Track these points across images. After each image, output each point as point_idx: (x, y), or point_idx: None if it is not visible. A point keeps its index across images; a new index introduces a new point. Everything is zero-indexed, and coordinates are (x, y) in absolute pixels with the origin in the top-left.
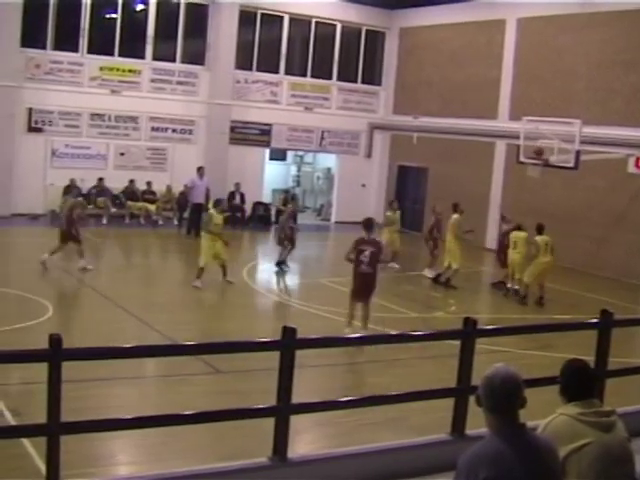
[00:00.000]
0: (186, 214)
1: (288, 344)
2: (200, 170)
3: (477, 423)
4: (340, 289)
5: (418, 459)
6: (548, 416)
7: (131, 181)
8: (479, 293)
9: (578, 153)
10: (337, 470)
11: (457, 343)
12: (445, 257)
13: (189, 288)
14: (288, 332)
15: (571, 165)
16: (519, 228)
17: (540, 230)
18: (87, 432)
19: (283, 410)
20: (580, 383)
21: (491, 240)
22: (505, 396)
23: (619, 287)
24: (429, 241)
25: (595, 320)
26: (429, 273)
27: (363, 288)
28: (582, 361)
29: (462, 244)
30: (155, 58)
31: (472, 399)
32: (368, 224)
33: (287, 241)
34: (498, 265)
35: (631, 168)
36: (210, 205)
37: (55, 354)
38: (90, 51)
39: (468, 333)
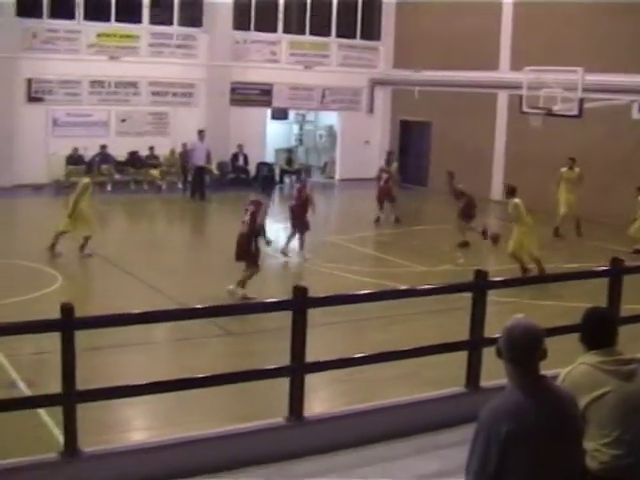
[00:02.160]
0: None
1: (300, 304)
2: (201, 133)
3: (491, 375)
4: (347, 246)
5: (434, 413)
6: (566, 366)
7: (133, 153)
8: (486, 245)
9: (581, 101)
10: (354, 427)
11: (466, 296)
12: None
13: (197, 252)
14: (299, 292)
15: (574, 113)
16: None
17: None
18: (103, 399)
19: (298, 370)
20: (601, 331)
21: (496, 192)
22: (526, 347)
23: (624, 235)
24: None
25: (606, 268)
26: None
27: None
28: (603, 309)
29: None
30: (152, 22)
31: (486, 351)
32: None
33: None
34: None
35: (635, 114)
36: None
37: (67, 323)
38: (87, 18)
39: (480, 285)
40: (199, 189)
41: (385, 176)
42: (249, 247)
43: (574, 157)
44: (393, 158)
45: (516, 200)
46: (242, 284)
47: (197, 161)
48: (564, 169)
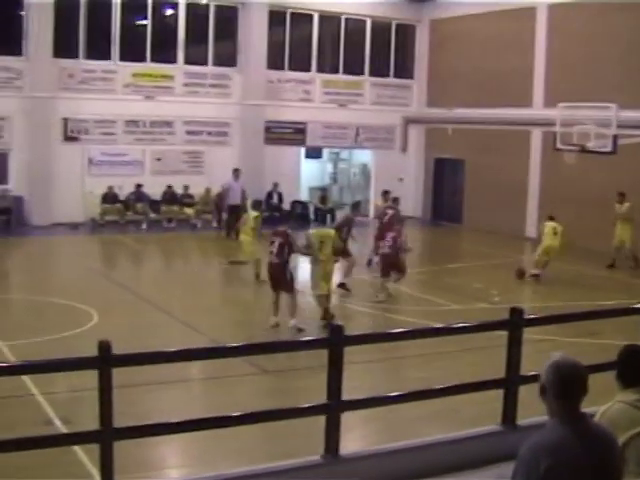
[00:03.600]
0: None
1: (336, 341)
2: (236, 172)
3: (527, 413)
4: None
5: (471, 451)
6: (601, 404)
7: (169, 186)
8: (521, 283)
9: (615, 137)
10: (390, 465)
11: (501, 334)
12: None
13: (231, 289)
14: (335, 330)
15: (609, 149)
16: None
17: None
18: (140, 437)
19: (334, 407)
20: (638, 368)
21: (530, 229)
22: (572, 383)
23: None
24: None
25: None
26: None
27: None
28: (639, 346)
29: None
30: (187, 62)
31: (523, 388)
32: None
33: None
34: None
35: None
36: (249, 206)
37: (105, 360)
38: (122, 58)
39: (515, 323)
40: (233, 227)
41: (390, 212)
42: (284, 276)
43: (623, 192)
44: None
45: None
46: (293, 314)
47: (232, 200)
48: (617, 205)
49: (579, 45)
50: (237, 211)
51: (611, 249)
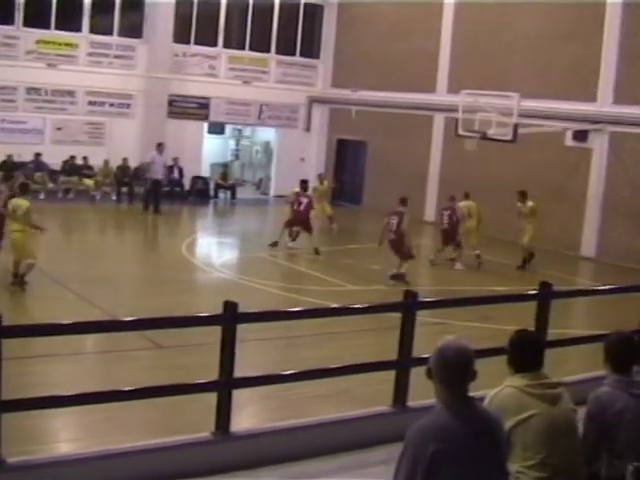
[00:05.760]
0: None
1: (229, 319)
2: (160, 146)
3: (418, 395)
4: (279, 262)
5: (361, 431)
6: (492, 388)
7: (72, 157)
8: (417, 266)
9: (516, 126)
10: (281, 443)
11: (396, 316)
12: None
13: (129, 264)
14: (229, 307)
15: (509, 138)
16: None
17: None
18: (29, 410)
19: (225, 384)
20: (528, 354)
21: (429, 212)
22: (458, 368)
23: (557, 260)
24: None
25: (535, 292)
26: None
27: None
28: (531, 332)
29: None
30: (92, 31)
31: (414, 371)
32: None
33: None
34: None
35: (569, 141)
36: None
37: None
38: (26, 24)
39: (409, 305)
40: (154, 202)
41: (305, 201)
42: (403, 247)
43: (524, 190)
44: (323, 177)
45: (531, 203)
46: (403, 270)
47: (155, 174)
48: (519, 204)
49: (485, 32)
50: (158, 186)
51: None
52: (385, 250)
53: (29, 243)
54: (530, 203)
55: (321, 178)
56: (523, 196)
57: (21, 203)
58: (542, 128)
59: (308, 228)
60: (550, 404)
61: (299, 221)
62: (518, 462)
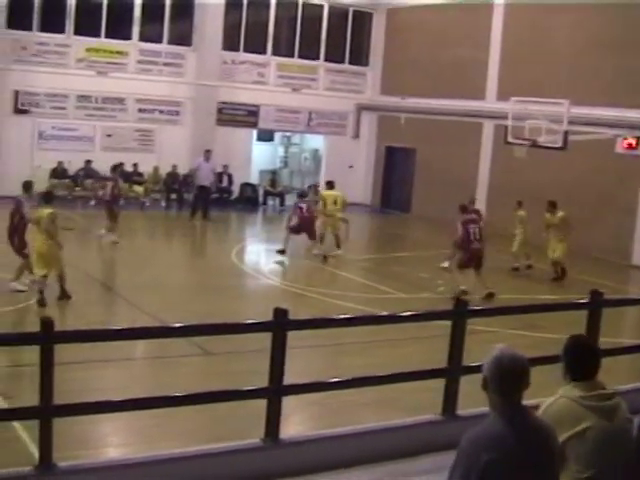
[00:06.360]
0: (179, 196)
1: (280, 325)
2: (207, 153)
3: (467, 404)
4: (329, 270)
5: (409, 439)
6: (541, 397)
7: (121, 163)
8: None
9: (566, 133)
10: (329, 450)
11: (445, 324)
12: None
13: (178, 270)
14: (279, 313)
15: (559, 145)
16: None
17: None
18: (80, 415)
19: (275, 391)
20: (584, 361)
21: None
22: (513, 377)
23: (607, 268)
24: None
25: (585, 300)
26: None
27: None
28: (586, 338)
29: None
30: (142, 39)
31: (464, 379)
32: None
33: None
34: None
35: (619, 148)
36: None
37: (47, 337)
38: (77, 32)
39: (460, 313)
40: (202, 208)
41: (304, 206)
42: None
43: (553, 200)
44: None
45: (562, 213)
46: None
47: (201, 181)
48: (547, 215)
49: (534, 40)
50: (206, 192)
51: (548, 264)
52: (434, 258)
53: (56, 253)
54: (561, 213)
55: (316, 190)
56: (553, 206)
57: (43, 213)
58: (593, 135)
59: (312, 233)
60: (605, 419)
61: (304, 227)
62: (570, 475)
